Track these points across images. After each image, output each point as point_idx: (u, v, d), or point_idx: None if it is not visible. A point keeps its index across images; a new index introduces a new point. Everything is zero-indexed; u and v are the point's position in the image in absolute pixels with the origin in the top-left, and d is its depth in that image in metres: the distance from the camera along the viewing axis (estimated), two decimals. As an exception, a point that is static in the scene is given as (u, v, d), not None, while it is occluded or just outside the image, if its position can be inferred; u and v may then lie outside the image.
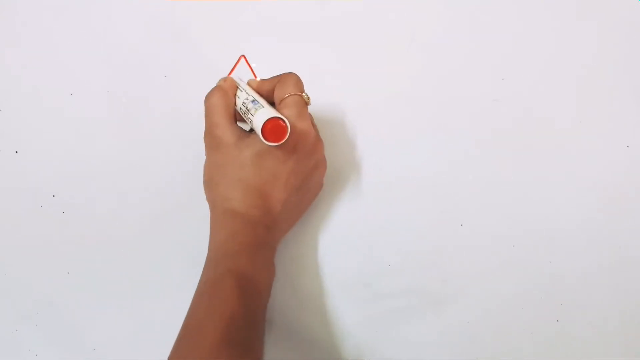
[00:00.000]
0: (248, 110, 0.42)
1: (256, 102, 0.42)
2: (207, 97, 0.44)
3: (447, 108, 0.52)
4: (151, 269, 0.47)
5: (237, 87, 0.45)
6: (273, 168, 0.42)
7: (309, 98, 0.43)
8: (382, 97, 0.52)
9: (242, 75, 0.46)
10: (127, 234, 0.48)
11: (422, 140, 0.51)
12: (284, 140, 0.39)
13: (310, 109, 0.44)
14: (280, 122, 0.39)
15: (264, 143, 0.39)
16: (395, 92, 0.52)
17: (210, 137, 0.43)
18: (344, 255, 0.48)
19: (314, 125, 0.46)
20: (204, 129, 0.44)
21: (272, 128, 0.39)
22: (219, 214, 0.43)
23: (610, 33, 0.54)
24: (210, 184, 0.43)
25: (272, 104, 0.43)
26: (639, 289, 0.47)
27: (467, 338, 0.46)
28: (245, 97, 0.43)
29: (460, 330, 0.46)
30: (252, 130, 0.43)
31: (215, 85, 0.45)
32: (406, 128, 0.51)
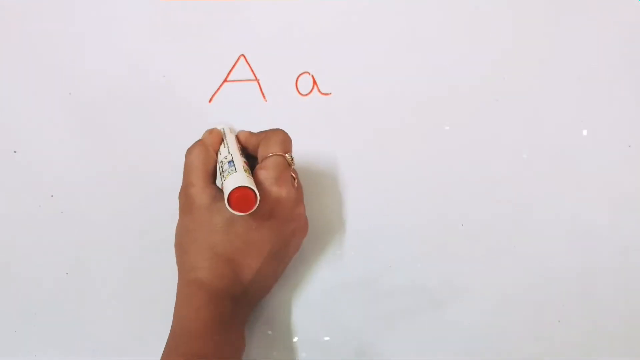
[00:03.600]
0: (222, 172, 0.40)
1: (231, 163, 0.39)
2: (188, 152, 0.42)
3: (447, 108, 0.52)
4: (151, 269, 0.47)
5: (222, 140, 0.43)
6: (245, 235, 0.40)
7: (292, 159, 0.41)
8: (380, 94, 0.52)
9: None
10: (127, 234, 0.48)
11: (422, 140, 0.51)
12: (251, 210, 0.37)
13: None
14: (249, 191, 0.36)
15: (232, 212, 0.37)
16: (394, 90, 0.52)
17: (184, 198, 0.42)
18: (344, 255, 0.48)
19: (298, 184, 0.43)
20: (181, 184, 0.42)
21: (240, 197, 0.36)
22: (185, 284, 0.41)
23: (610, 33, 0.54)
24: (179, 249, 0.42)
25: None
26: None
27: (467, 338, 0.46)
28: (224, 155, 0.41)
29: (460, 330, 0.46)
30: None
31: (200, 137, 0.43)
32: (406, 127, 0.51)
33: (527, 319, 0.46)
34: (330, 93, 0.51)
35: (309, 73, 0.51)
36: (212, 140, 0.43)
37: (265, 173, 0.40)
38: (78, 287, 0.46)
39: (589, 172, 0.50)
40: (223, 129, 0.45)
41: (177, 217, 0.45)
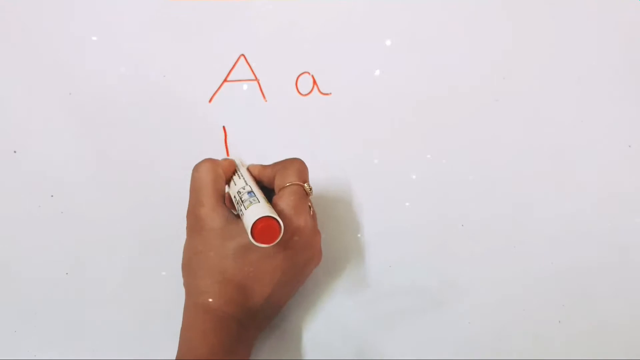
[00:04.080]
0: (242, 202, 0.38)
1: (252, 193, 0.38)
2: (195, 168, 0.41)
3: (447, 108, 0.52)
4: (151, 269, 0.47)
5: (236, 170, 0.42)
6: (258, 263, 0.39)
7: (310, 189, 0.41)
8: (380, 94, 0.52)
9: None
10: (127, 233, 0.48)
11: (422, 140, 0.51)
12: (275, 242, 0.35)
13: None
14: (274, 222, 0.35)
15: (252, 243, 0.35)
16: (394, 90, 0.52)
17: (193, 218, 0.40)
18: (344, 255, 0.48)
19: (313, 212, 0.42)
20: (188, 203, 0.41)
21: (263, 229, 0.35)
22: (192, 307, 0.40)
23: (610, 33, 0.54)
24: (188, 269, 0.41)
25: (272, 191, 0.41)
26: (640, 289, 0.47)
27: (467, 338, 0.46)
28: (242, 185, 0.40)
29: (460, 330, 0.46)
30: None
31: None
32: (406, 127, 0.51)
33: (527, 319, 0.46)
34: (330, 93, 0.51)
35: (309, 73, 0.51)
36: (225, 164, 0.42)
37: (284, 203, 0.39)
38: (78, 287, 0.46)
39: (589, 172, 0.50)
40: (235, 160, 0.44)
41: (177, 217, 0.45)
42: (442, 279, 0.47)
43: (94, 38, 0.53)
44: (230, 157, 0.43)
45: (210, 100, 0.51)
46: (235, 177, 0.42)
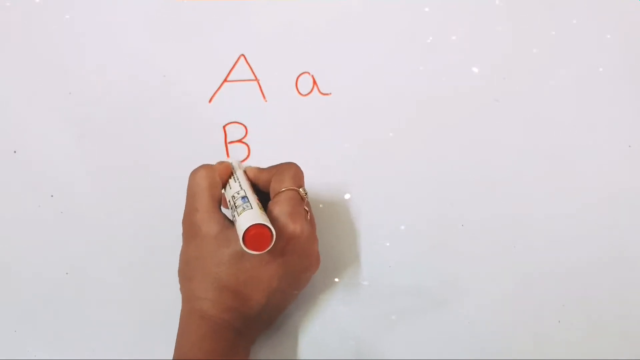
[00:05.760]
0: (235, 208, 0.38)
1: (245, 199, 0.38)
2: (192, 175, 0.41)
3: (447, 108, 0.52)
4: (151, 269, 0.47)
5: (232, 174, 0.42)
6: (253, 270, 0.38)
7: (306, 194, 0.40)
8: (380, 94, 0.52)
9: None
10: (127, 234, 0.48)
11: (422, 140, 0.51)
12: (266, 250, 0.35)
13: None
14: (265, 229, 0.35)
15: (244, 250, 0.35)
16: (394, 90, 0.52)
17: (189, 224, 0.40)
18: (344, 255, 0.48)
19: (311, 218, 0.42)
20: (184, 208, 0.41)
21: (255, 236, 0.35)
22: (188, 314, 0.40)
23: (611, 33, 0.54)
24: (183, 277, 0.41)
25: (268, 194, 0.41)
26: (640, 289, 0.47)
27: (467, 338, 0.46)
28: (236, 190, 0.40)
29: (460, 330, 0.46)
30: None
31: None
32: (406, 127, 0.51)
33: (527, 319, 0.46)
34: (330, 93, 0.51)
35: (309, 73, 0.51)
36: (221, 168, 0.42)
37: (280, 209, 0.38)
38: (78, 287, 0.46)
39: (589, 172, 0.50)
40: (232, 163, 0.44)
41: (176, 217, 0.45)
42: (442, 279, 0.47)
43: (94, 38, 0.53)
44: (227, 160, 0.43)
45: (210, 100, 0.51)
46: (231, 181, 0.42)
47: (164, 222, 0.48)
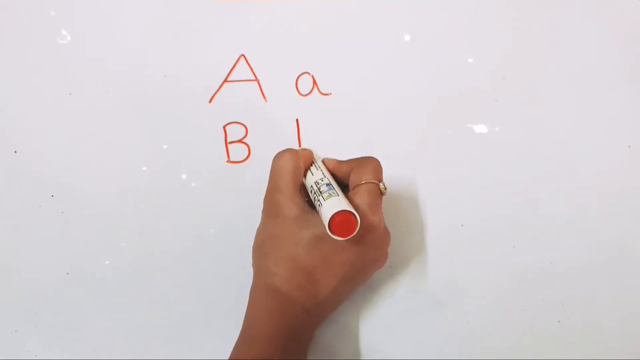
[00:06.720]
0: (320, 193, 0.39)
1: (331, 186, 0.39)
2: (277, 157, 0.42)
3: (447, 108, 0.52)
4: (151, 269, 0.47)
5: (313, 162, 0.43)
6: (329, 255, 0.40)
7: (385, 188, 0.41)
8: (380, 94, 0.52)
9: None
10: (127, 233, 0.48)
11: (422, 140, 0.51)
12: (351, 236, 0.36)
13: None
14: (352, 216, 0.36)
15: (328, 234, 0.36)
16: (394, 90, 0.52)
17: (270, 203, 0.41)
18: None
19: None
20: (266, 188, 0.42)
21: (341, 222, 0.36)
22: (261, 287, 0.41)
23: (610, 33, 0.54)
24: (260, 251, 0.42)
25: (346, 186, 0.41)
26: None
27: (467, 338, 0.46)
28: (320, 176, 0.41)
29: (460, 330, 0.46)
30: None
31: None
32: (406, 127, 0.51)
33: (527, 319, 0.46)
34: (330, 93, 0.51)
35: (309, 73, 0.51)
36: (304, 154, 0.43)
37: (361, 199, 0.39)
38: (78, 287, 0.46)
39: (589, 172, 0.50)
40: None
41: (176, 217, 0.45)
42: (442, 279, 0.47)
43: (95, 38, 0.53)
44: (308, 149, 0.44)
45: (210, 101, 0.51)
46: (313, 168, 0.42)
47: (164, 222, 0.48)
